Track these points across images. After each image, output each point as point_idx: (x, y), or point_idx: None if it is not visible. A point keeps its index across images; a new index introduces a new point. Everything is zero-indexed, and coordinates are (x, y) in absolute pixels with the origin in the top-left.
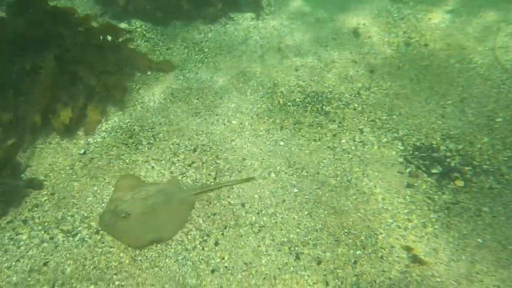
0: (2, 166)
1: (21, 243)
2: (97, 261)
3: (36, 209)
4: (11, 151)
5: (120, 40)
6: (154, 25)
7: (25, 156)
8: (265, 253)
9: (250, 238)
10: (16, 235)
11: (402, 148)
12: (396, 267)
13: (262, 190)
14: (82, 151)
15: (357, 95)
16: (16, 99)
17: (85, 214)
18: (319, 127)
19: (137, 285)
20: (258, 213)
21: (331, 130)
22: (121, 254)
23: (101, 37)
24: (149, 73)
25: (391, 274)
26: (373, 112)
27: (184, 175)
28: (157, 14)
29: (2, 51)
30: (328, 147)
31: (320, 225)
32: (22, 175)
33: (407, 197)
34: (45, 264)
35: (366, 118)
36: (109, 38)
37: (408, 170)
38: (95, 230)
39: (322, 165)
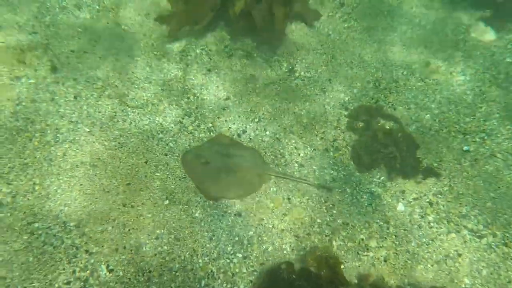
0: None
1: (430, 222)
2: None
3: (439, 195)
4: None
5: None
6: None
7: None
8: None
9: None
10: (424, 214)
11: None
12: None
13: None
14: (466, 148)
15: None
16: None
17: (488, 220)
18: None
19: None
20: None
21: None
22: None
23: None
24: None
25: None
26: None
27: None
28: None
29: None
30: None
31: None
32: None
33: None
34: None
35: None
36: None
37: None
38: (502, 242)
39: None
